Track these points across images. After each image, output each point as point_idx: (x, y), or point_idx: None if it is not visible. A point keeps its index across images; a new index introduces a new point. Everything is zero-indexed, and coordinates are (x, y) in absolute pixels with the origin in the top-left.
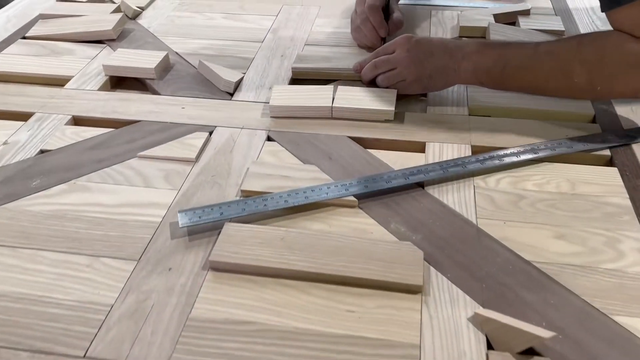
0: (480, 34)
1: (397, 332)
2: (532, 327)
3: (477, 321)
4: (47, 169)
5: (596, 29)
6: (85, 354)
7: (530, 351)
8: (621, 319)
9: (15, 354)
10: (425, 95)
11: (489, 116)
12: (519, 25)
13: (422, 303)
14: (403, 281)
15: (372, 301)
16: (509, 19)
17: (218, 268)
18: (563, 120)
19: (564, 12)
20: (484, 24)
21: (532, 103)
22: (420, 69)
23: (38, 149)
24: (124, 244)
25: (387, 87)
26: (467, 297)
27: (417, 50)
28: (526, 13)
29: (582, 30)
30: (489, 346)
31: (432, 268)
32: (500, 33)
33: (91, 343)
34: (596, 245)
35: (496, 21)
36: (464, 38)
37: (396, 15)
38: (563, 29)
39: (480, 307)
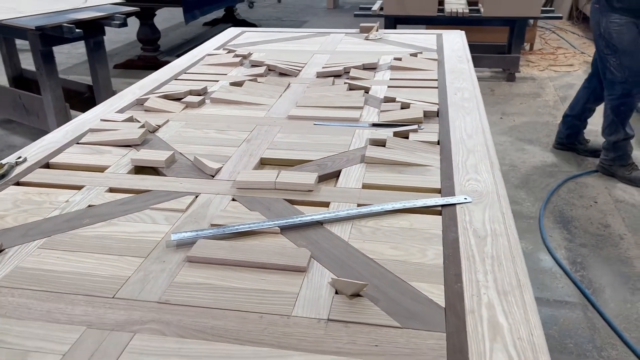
0: (382, 143)
1: (287, 284)
2: (357, 282)
3: (331, 283)
4: (93, 215)
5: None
6: (114, 294)
7: (357, 296)
8: (414, 284)
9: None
10: (339, 176)
11: (377, 189)
12: (408, 138)
13: (305, 276)
14: (296, 264)
15: (279, 276)
16: (403, 134)
17: (192, 261)
18: (420, 192)
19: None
20: (385, 137)
21: (404, 181)
22: None
23: (87, 204)
24: (138, 250)
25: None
26: (330, 273)
27: None
28: (415, 130)
29: (454, 148)
30: (336, 293)
31: (314, 261)
32: (395, 143)
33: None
34: (413, 252)
35: (394, 135)
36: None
37: None
38: (436, 140)
39: (334, 276)
